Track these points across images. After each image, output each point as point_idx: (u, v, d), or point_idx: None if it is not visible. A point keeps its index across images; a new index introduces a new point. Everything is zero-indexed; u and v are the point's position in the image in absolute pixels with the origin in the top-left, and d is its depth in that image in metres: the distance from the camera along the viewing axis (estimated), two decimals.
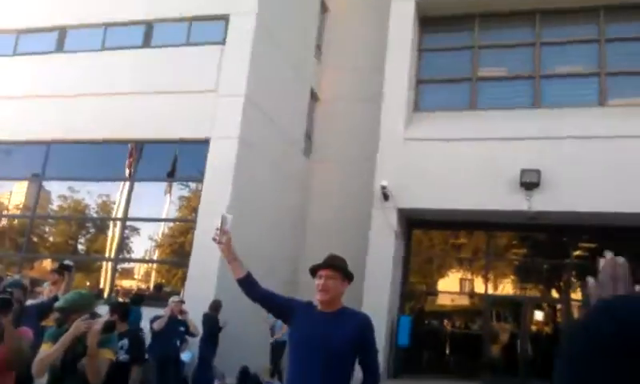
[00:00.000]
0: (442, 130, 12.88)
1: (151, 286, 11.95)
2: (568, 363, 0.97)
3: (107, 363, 3.31)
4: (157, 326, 7.01)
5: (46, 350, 3.26)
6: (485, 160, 12.22)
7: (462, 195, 12.18)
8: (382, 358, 11.78)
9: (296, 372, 3.02)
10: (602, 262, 1.21)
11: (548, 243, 14.10)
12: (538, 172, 11.79)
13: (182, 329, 7.42)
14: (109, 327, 3.33)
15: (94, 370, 3.19)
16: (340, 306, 3.15)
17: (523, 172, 11.83)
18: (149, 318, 9.36)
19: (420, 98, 13.97)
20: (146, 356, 7.99)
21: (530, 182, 11.78)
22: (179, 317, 7.40)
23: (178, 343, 7.21)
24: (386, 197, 12.53)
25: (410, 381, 12.26)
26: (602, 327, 0.94)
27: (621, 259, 1.21)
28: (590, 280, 1.21)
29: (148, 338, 7.60)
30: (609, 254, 1.23)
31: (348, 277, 3.18)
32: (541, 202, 11.78)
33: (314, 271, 3.18)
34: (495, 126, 12.43)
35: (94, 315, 3.52)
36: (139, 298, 9.46)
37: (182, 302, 7.67)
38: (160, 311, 9.86)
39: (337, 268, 3.13)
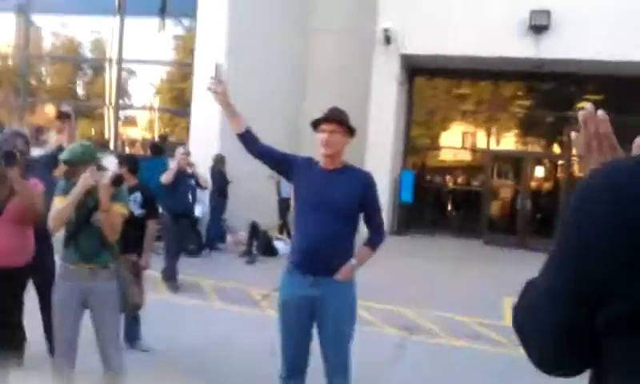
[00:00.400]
0: None
1: (155, 135, 11.86)
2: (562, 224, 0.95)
3: (121, 217, 3.30)
4: (165, 178, 6.75)
5: (59, 204, 3.24)
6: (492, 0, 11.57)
7: (467, 40, 11.65)
8: (385, 215, 12.06)
9: (302, 229, 3.06)
10: (581, 117, 1.10)
11: (553, 94, 13.83)
12: (547, 13, 11.22)
13: (192, 182, 7.28)
14: (117, 181, 3.25)
15: (108, 224, 3.19)
16: (341, 162, 3.11)
17: (532, 13, 11.26)
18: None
19: None
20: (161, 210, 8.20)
21: (539, 25, 11.26)
22: (188, 170, 7.24)
23: (190, 197, 7.15)
24: (388, 40, 12.05)
25: (413, 237, 12.64)
26: (597, 209, 0.88)
27: (602, 114, 1.10)
28: (574, 135, 1.15)
29: None
30: (589, 106, 1.12)
31: (351, 131, 3.11)
32: (549, 48, 11.33)
33: (316, 125, 3.08)
34: None
35: (101, 167, 3.46)
36: (159, 148, 9.07)
37: (189, 153, 7.39)
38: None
39: (340, 122, 3.04)
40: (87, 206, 3.23)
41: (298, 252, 3.10)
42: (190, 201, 7.13)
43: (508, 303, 7.10)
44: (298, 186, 3.09)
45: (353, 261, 3.05)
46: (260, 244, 9.29)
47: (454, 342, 5.72)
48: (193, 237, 8.09)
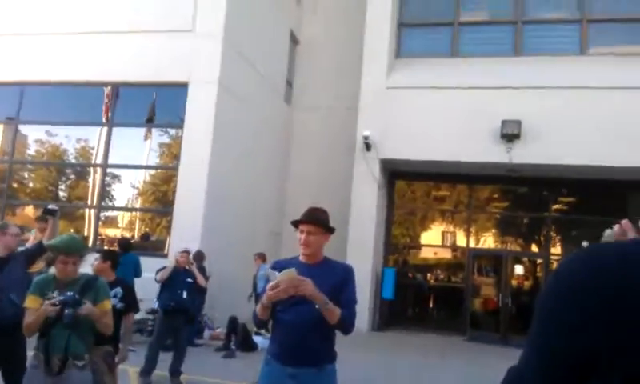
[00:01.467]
0: (423, 78, 12.77)
1: (136, 234, 11.92)
2: (540, 308, 0.94)
3: (110, 312, 3.44)
4: (160, 277, 7.04)
5: (31, 308, 3.29)
6: (466, 110, 12.18)
7: (443, 146, 12.19)
8: (367, 312, 12.05)
9: (282, 320, 3.05)
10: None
11: (528, 197, 14.29)
12: (518, 123, 11.80)
13: (189, 280, 7.29)
14: (74, 301, 3.26)
15: (103, 327, 3.36)
16: (322, 257, 3.19)
17: (504, 123, 11.84)
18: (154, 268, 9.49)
19: (402, 43, 13.78)
20: (156, 306, 8.05)
21: (510, 134, 11.80)
22: (186, 267, 7.33)
23: (185, 294, 7.10)
24: (368, 147, 12.52)
25: (394, 334, 12.48)
26: (574, 273, 0.91)
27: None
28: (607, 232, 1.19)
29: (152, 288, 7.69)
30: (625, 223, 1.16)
31: (329, 230, 3.20)
32: (521, 154, 11.83)
33: (295, 225, 3.19)
34: (477, 75, 12.33)
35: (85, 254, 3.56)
36: (128, 244, 9.34)
37: (188, 252, 7.58)
38: (150, 261, 9.97)
39: (318, 222, 3.15)
40: (66, 301, 3.27)
41: (278, 343, 3.08)
42: (185, 297, 7.10)
43: None
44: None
45: (325, 298, 2.93)
46: (239, 339, 9.11)
47: None
48: (186, 332, 7.91)
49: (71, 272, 3.40)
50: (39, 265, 8.94)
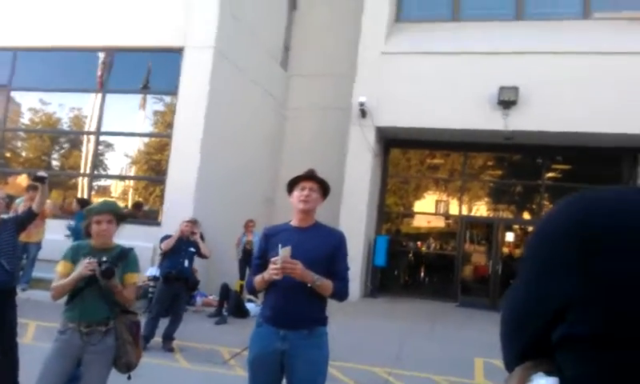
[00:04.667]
0: (421, 43, 12.67)
1: (129, 204, 11.95)
2: (528, 252, 0.96)
3: (135, 287, 3.46)
4: (164, 246, 7.12)
5: (61, 272, 3.33)
6: (464, 76, 12.12)
7: (439, 114, 12.16)
8: (358, 279, 12.16)
9: (275, 287, 3.09)
10: None
11: (522, 164, 14.33)
12: (516, 89, 11.76)
13: (192, 250, 7.36)
14: (107, 273, 3.27)
15: (122, 300, 3.37)
16: (314, 221, 3.23)
17: (501, 89, 11.79)
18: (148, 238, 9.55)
19: (402, 7, 13.64)
20: (157, 273, 8.14)
21: (507, 101, 11.77)
22: (190, 238, 7.37)
23: (187, 263, 7.18)
24: (363, 114, 12.49)
25: (386, 301, 12.66)
26: (563, 216, 0.90)
27: None
28: None
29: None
30: None
31: (326, 191, 3.26)
32: (517, 121, 11.82)
33: (293, 183, 3.22)
34: (476, 39, 12.24)
35: (122, 219, 3.54)
36: (85, 202, 9.49)
37: (193, 222, 7.63)
38: (144, 229, 10.06)
39: (319, 180, 3.20)
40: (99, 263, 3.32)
41: (270, 307, 3.13)
42: (186, 266, 7.19)
43: (479, 363, 7.10)
44: (272, 249, 3.11)
45: (315, 276, 3.02)
46: (231, 305, 9.24)
47: None
48: (185, 300, 8.01)
49: (105, 232, 3.39)
50: (39, 235, 9.12)
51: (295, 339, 3.03)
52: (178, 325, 6.97)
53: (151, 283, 9.04)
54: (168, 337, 6.87)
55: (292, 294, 3.04)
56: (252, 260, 9.84)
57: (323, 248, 3.10)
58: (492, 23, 12.70)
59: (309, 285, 3.00)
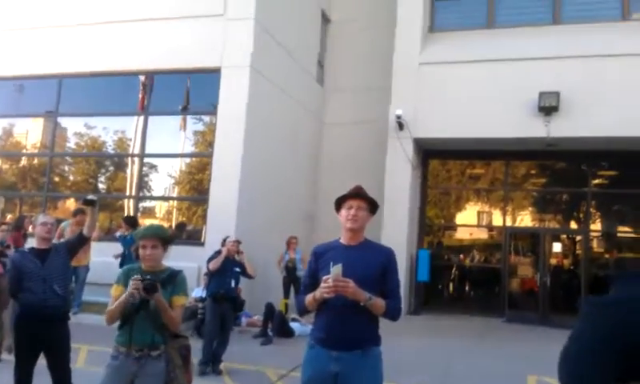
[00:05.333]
0: (457, 52, 12.53)
1: (173, 224, 12.12)
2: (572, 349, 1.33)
3: (182, 309, 3.47)
4: (212, 266, 7.13)
5: (115, 296, 3.40)
6: (502, 83, 11.94)
7: (478, 123, 11.99)
8: (402, 294, 11.90)
9: (327, 308, 3.06)
10: None
11: (567, 172, 13.94)
12: (557, 94, 11.48)
13: (238, 269, 7.35)
14: (150, 288, 3.28)
15: (168, 319, 3.36)
16: (363, 238, 3.20)
17: (542, 95, 11.53)
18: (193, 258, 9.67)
19: (435, 17, 13.53)
20: (204, 294, 8.24)
21: (548, 106, 11.50)
22: (236, 257, 7.37)
23: (233, 283, 7.22)
24: (401, 126, 12.39)
25: (430, 317, 12.42)
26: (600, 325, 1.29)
27: None
28: None
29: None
30: None
31: (373, 209, 3.23)
32: (560, 128, 11.54)
33: (340, 202, 3.20)
34: (513, 46, 12.04)
35: (168, 242, 3.56)
36: (134, 221, 9.86)
37: (239, 242, 7.62)
38: (188, 250, 10.17)
39: (366, 198, 3.18)
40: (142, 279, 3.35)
41: (322, 328, 3.10)
42: (233, 286, 7.23)
43: (532, 381, 6.87)
44: (322, 268, 3.09)
45: (368, 295, 2.96)
46: (275, 325, 9.23)
47: None
48: (233, 320, 7.93)
49: (150, 256, 3.42)
50: (87, 258, 9.31)
51: (349, 360, 2.99)
52: (225, 346, 6.96)
53: (199, 304, 9.07)
54: (216, 359, 6.85)
55: (344, 314, 3.00)
56: (296, 278, 9.83)
57: (373, 265, 3.06)
58: (528, 28, 12.48)
59: (361, 304, 2.95)
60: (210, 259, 7.31)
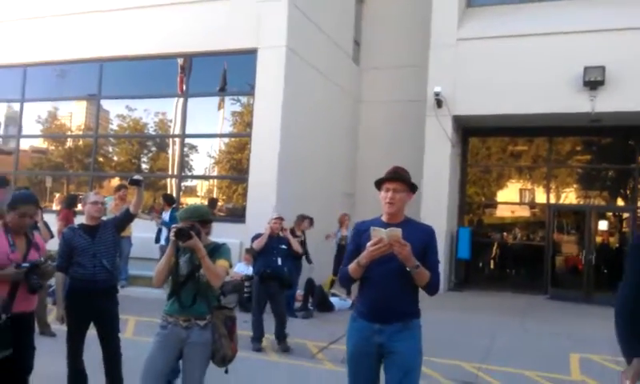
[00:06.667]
0: (496, 26, 12.21)
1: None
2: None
3: (224, 269, 3.54)
4: (256, 245, 7.13)
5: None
6: (544, 58, 11.60)
7: (519, 99, 11.72)
8: (442, 272, 11.82)
9: (368, 279, 3.13)
10: None
11: (613, 147, 13.53)
12: (602, 69, 11.13)
13: (283, 246, 7.27)
14: (179, 234, 3.35)
15: (210, 274, 3.41)
16: (404, 217, 3.24)
17: (586, 69, 11.18)
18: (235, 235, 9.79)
19: None
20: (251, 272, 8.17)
21: (594, 81, 11.15)
22: (280, 234, 7.32)
23: (280, 261, 7.09)
24: (439, 103, 12.21)
25: (471, 294, 12.33)
26: None
27: None
28: None
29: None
30: None
31: (412, 188, 3.24)
32: (605, 102, 11.19)
33: (379, 183, 3.23)
34: (553, 19, 11.68)
35: (206, 223, 3.64)
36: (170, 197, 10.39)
37: (281, 218, 7.47)
38: (230, 226, 10.36)
39: (403, 180, 3.19)
40: (192, 262, 3.48)
41: (365, 301, 3.17)
42: (280, 264, 7.11)
43: (575, 359, 6.78)
44: (366, 243, 3.09)
45: (417, 262, 2.99)
46: (316, 300, 9.34)
47: None
48: (283, 298, 7.61)
49: None
50: (129, 230, 9.58)
51: (390, 332, 3.06)
52: (284, 324, 6.91)
53: (247, 283, 9.10)
54: (281, 337, 6.86)
55: (386, 288, 3.06)
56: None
57: (414, 243, 3.06)
58: (569, 1, 12.03)
59: (408, 269, 2.98)
60: (255, 238, 7.29)
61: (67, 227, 4.88)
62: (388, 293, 3.06)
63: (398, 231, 2.91)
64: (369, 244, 2.99)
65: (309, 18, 11.91)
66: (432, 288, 3.13)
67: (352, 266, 3.14)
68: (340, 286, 3.39)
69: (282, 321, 6.91)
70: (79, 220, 5.08)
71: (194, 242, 3.36)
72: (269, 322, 6.98)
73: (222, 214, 11.61)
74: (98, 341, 4.36)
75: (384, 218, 3.22)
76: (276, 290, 7.03)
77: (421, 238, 3.15)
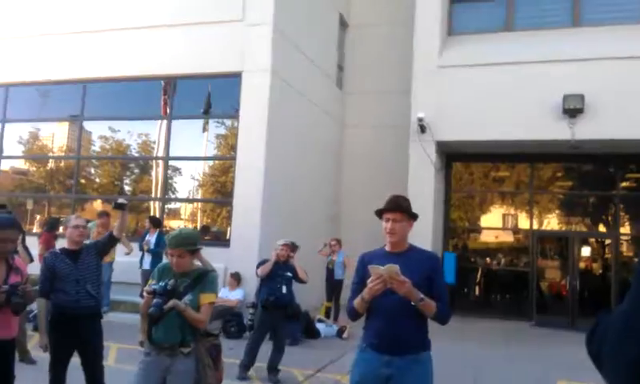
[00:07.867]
0: (477, 54, 12.37)
1: (198, 226, 12.20)
2: None
3: (209, 307, 3.47)
4: (260, 272, 6.89)
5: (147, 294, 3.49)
6: (524, 86, 11.75)
7: (501, 125, 11.83)
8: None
9: (376, 309, 3.09)
10: None
11: (593, 174, 13.71)
12: (581, 97, 11.29)
13: (289, 274, 7.03)
14: (172, 291, 3.33)
15: (194, 323, 3.40)
16: (407, 245, 3.23)
17: (566, 97, 11.34)
18: (220, 259, 9.59)
19: (454, 20, 13.35)
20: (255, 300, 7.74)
21: (573, 109, 11.30)
22: (288, 262, 7.08)
23: (285, 289, 6.89)
24: (422, 129, 12.27)
25: (456, 320, 12.23)
26: None
27: None
28: None
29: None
30: None
31: (413, 217, 3.22)
32: (585, 130, 11.32)
33: (379, 214, 3.24)
34: (533, 48, 11.84)
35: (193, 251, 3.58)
36: (157, 220, 10.36)
37: (288, 245, 7.18)
38: (214, 251, 10.20)
39: (402, 209, 3.18)
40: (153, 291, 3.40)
41: (374, 331, 3.13)
42: (285, 292, 6.93)
43: None
44: (369, 276, 3.07)
45: (421, 295, 2.97)
46: (302, 326, 9.20)
47: None
48: (287, 328, 7.50)
49: (176, 264, 3.47)
50: (112, 255, 9.40)
51: (400, 365, 3.02)
52: (281, 355, 6.72)
53: (250, 310, 8.77)
54: (273, 368, 6.66)
55: (395, 318, 3.03)
56: (334, 283, 9.46)
57: (420, 272, 3.07)
58: (548, 31, 12.26)
59: (413, 303, 2.96)
60: (260, 265, 7.05)
61: (49, 251, 4.77)
62: (396, 323, 3.03)
63: (396, 267, 2.88)
64: (368, 281, 2.97)
65: (293, 43, 11.99)
66: (441, 318, 3.12)
67: (357, 301, 3.12)
68: (349, 319, 3.36)
69: (280, 351, 6.72)
70: (60, 244, 4.97)
71: (174, 303, 3.31)
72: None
73: (207, 237, 11.50)
74: (82, 368, 4.23)
75: (387, 248, 3.21)
76: (279, 319, 6.84)
77: (426, 265, 3.15)
